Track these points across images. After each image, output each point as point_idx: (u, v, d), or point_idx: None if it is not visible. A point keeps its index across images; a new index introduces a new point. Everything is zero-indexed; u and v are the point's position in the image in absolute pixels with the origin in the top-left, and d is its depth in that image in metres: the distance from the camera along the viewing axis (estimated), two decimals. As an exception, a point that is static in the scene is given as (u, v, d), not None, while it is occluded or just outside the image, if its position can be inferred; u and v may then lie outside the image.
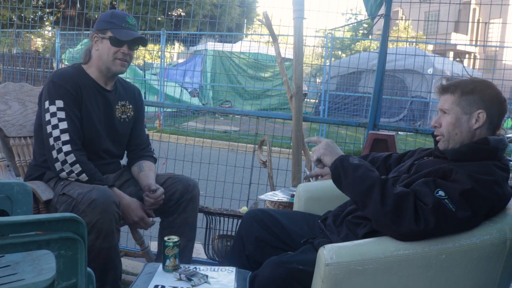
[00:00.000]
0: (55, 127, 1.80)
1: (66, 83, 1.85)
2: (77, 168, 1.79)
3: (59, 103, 1.82)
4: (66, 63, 8.63)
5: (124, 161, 2.19)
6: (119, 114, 2.05)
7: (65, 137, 1.79)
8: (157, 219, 2.11)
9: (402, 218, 1.28)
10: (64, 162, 1.79)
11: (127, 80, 2.25)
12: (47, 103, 1.83)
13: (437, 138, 1.54)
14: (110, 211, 1.67)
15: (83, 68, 1.97)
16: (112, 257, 1.73)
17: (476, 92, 1.47)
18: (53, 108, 1.82)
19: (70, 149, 1.79)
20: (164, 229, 2.04)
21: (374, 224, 1.38)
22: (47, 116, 1.82)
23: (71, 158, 1.79)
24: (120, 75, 2.05)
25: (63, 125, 1.80)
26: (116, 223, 1.70)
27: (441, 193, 1.30)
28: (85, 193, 1.69)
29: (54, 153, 1.80)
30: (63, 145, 1.78)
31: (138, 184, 2.04)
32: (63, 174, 1.82)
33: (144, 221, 1.92)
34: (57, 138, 1.79)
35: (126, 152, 2.18)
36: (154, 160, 2.16)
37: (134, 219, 1.89)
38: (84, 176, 1.80)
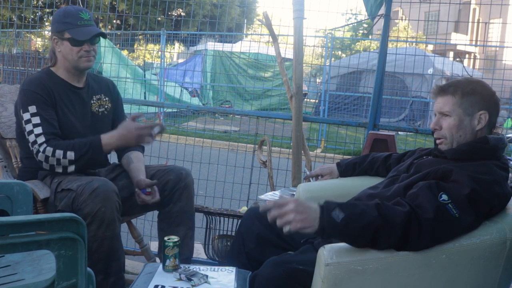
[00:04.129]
0: (30, 133, 1.81)
1: (36, 88, 1.86)
2: (59, 153, 1.78)
3: (32, 108, 1.83)
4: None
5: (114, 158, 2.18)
6: (96, 108, 2.05)
7: (41, 139, 1.80)
8: (154, 213, 2.11)
9: (408, 241, 1.24)
10: (46, 158, 1.79)
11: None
12: (21, 111, 1.85)
13: (439, 141, 1.52)
14: (111, 200, 1.69)
15: (52, 70, 1.97)
16: (115, 247, 1.74)
17: (476, 92, 1.47)
18: (27, 116, 1.82)
19: (45, 146, 1.79)
20: (162, 221, 2.04)
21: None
22: (23, 124, 1.83)
23: (48, 151, 1.79)
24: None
25: (38, 130, 1.80)
26: (117, 211, 1.72)
27: (444, 197, 1.28)
28: (85, 184, 1.71)
29: (36, 157, 1.81)
30: (39, 146, 1.79)
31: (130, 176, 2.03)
32: (56, 168, 1.81)
33: (141, 129, 1.82)
34: (34, 143, 1.80)
35: None
36: (142, 149, 2.16)
37: (137, 132, 1.81)
38: (70, 154, 1.78)
